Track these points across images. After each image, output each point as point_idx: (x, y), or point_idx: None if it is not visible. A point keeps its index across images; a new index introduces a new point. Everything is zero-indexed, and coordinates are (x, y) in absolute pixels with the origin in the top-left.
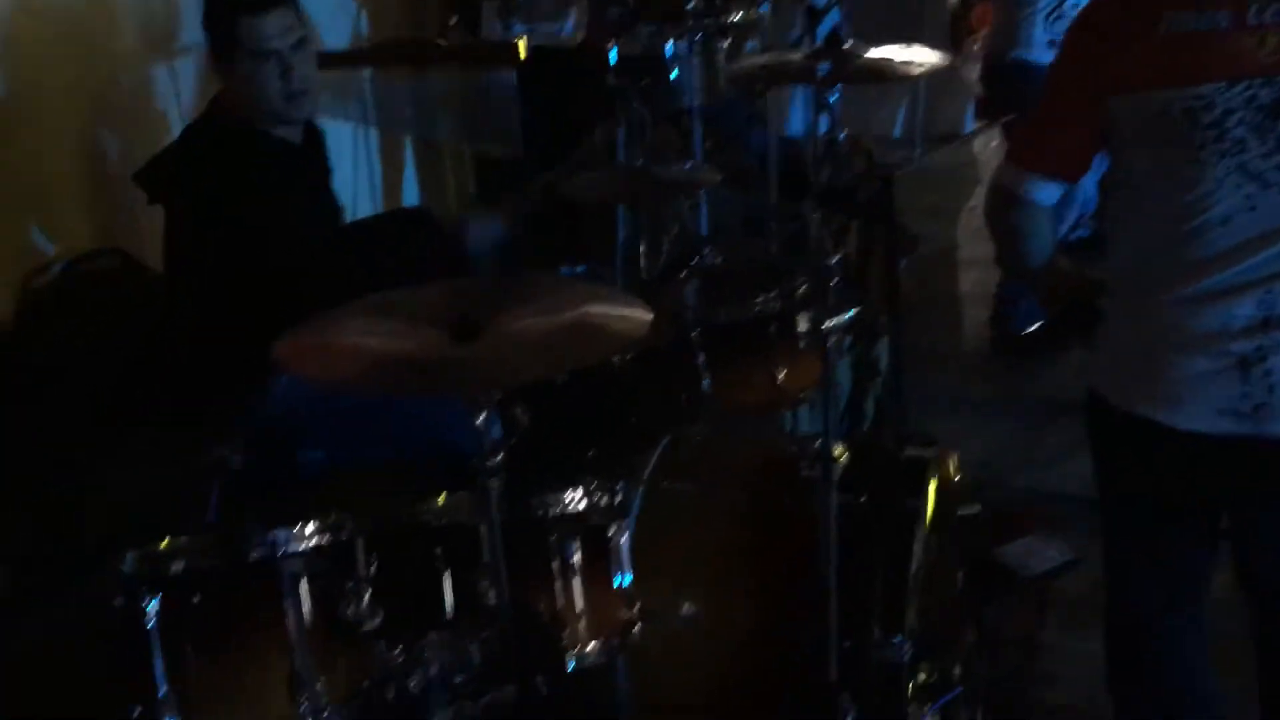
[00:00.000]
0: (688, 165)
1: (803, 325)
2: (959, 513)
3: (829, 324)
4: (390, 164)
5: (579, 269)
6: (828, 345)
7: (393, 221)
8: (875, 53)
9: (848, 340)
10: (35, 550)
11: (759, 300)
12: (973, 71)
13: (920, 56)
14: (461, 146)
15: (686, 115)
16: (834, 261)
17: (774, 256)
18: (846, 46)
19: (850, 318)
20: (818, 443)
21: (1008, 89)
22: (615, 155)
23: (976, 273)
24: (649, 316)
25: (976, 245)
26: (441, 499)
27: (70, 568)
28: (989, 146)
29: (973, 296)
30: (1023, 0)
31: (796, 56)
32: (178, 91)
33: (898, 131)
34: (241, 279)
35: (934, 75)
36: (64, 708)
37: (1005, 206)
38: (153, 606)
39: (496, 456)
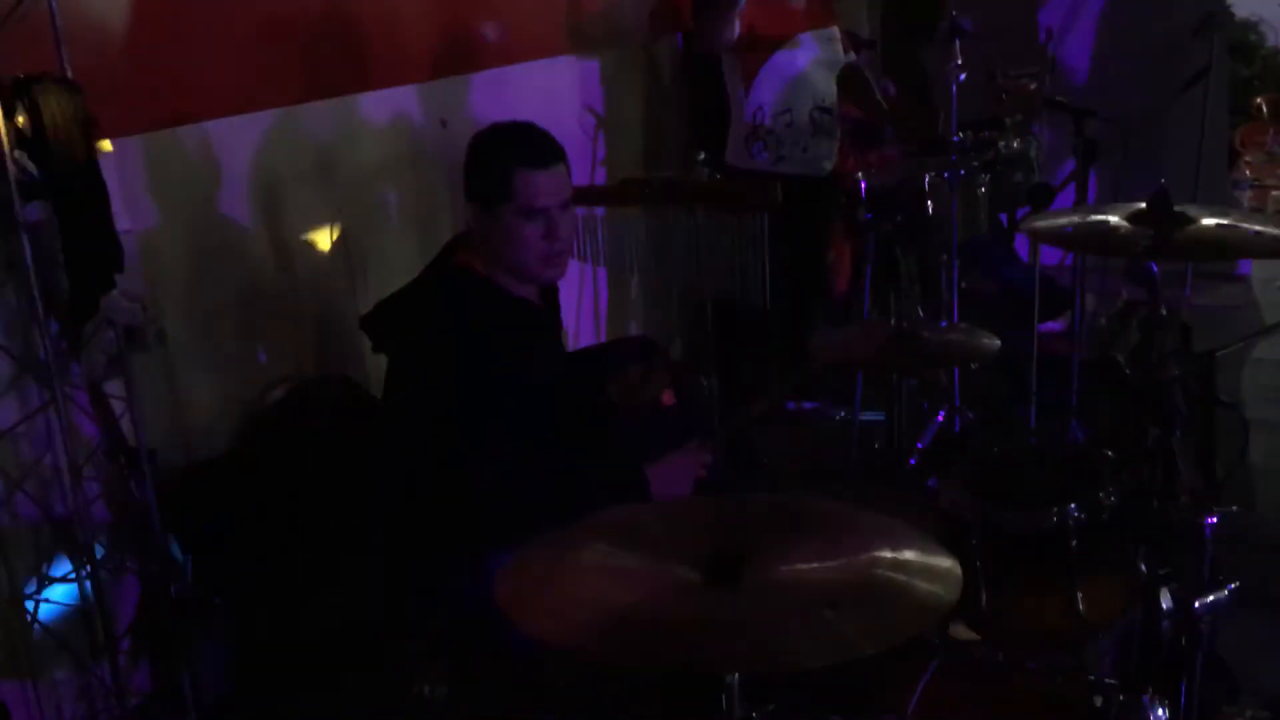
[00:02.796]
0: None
1: (1165, 600)
2: None
3: (1203, 602)
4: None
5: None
6: (1199, 626)
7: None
8: (1211, 219)
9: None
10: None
11: (1056, 510)
12: (1242, 198)
13: (1268, 224)
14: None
15: (943, 254)
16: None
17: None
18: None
19: (1230, 595)
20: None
21: None
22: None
23: (1268, 439)
24: (958, 580)
25: (1267, 407)
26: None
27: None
28: (1271, 286)
29: (1267, 471)
30: None
31: (1114, 220)
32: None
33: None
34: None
35: None
36: None
37: None
38: None
39: None
